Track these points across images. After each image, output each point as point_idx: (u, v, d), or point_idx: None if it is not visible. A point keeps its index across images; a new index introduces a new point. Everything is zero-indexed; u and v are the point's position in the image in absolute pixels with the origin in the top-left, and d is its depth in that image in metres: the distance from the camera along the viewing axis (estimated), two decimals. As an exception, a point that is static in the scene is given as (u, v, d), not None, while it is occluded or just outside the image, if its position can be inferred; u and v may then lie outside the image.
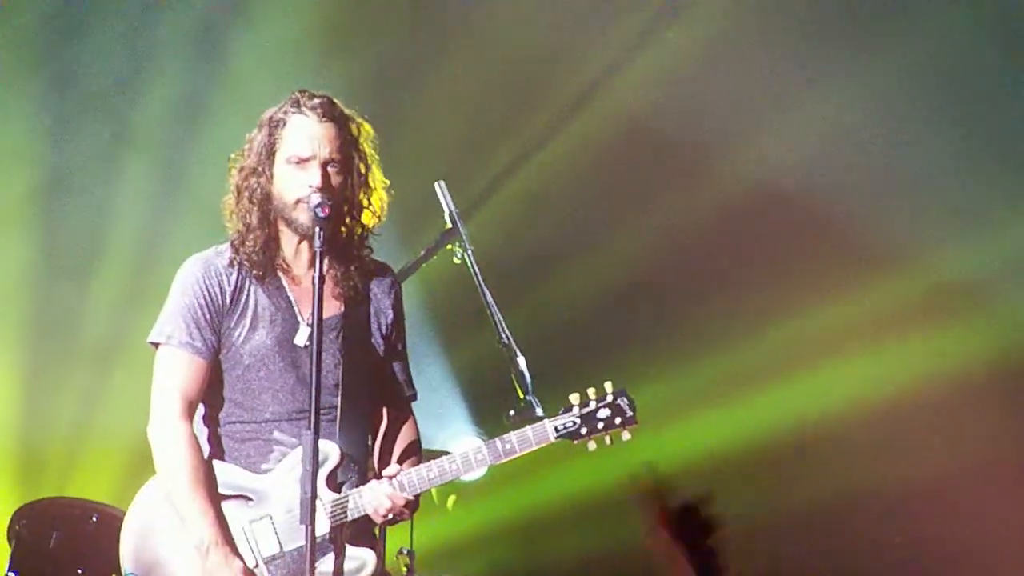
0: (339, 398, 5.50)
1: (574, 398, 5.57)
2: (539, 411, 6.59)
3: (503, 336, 6.41)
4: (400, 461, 5.65)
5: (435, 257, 6.99)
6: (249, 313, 5.54)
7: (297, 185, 5.48)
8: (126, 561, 5.49)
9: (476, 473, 5.68)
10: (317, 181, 5.45)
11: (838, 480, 9.78)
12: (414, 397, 5.85)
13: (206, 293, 5.52)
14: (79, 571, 7.70)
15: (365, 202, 5.61)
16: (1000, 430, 9.53)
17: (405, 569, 8.44)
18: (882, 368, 9.70)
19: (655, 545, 3.70)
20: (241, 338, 5.52)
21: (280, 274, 5.59)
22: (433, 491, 9.76)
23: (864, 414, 9.67)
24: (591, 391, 5.57)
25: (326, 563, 5.41)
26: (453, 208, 6.83)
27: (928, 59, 9.43)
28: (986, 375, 9.52)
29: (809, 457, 9.79)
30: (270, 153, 5.53)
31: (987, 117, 9.50)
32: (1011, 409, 9.53)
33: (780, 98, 9.68)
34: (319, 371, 5.23)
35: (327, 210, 5.39)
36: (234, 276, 5.56)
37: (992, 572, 9.47)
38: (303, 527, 5.29)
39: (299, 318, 5.56)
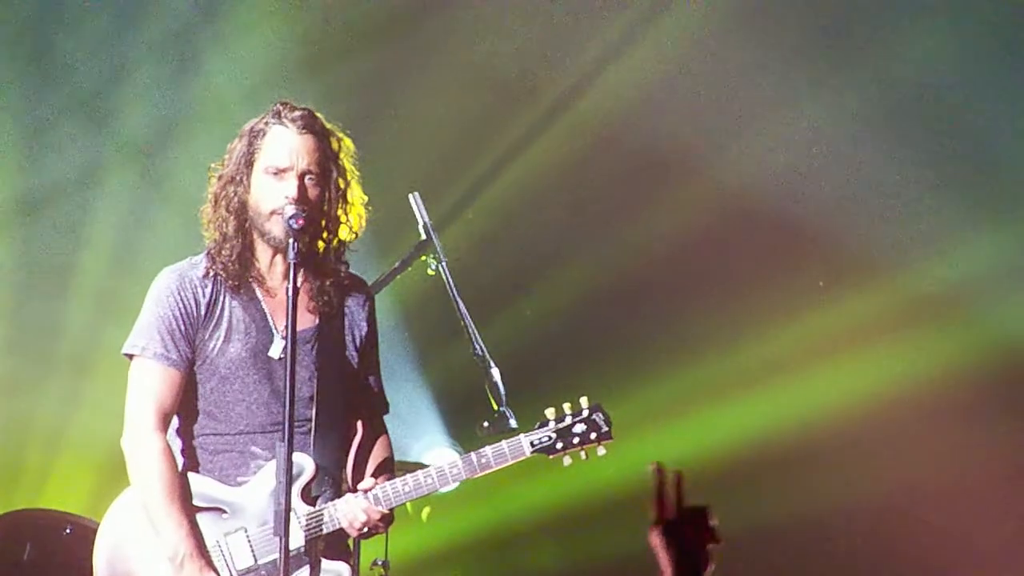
0: (313, 411, 5.50)
1: (550, 413, 5.57)
2: (513, 422, 6.61)
3: (477, 348, 6.42)
4: (374, 475, 5.65)
5: (409, 268, 7.00)
6: (224, 325, 5.54)
7: (273, 195, 5.47)
8: (99, 573, 5.48)
9: (451, 486, 5.68)
10: (293, 192, 5.45)
11: (819, 490, 9.80)
12: (386, 410, 5.85)
13: (181, 305, 5.52)
14: (53, 583, 7.67)
15: (343, 217, 5.60)
16: (981, 439, 9.56)
17: (380, 581, 8.43)
18: (861, 377, 9.73)
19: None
20: (216, 350, 5.52)
21: (255, 286, 5.58)
22: (408, 503, 9.78)
23: (844, 423, 9.70)
24: (567, 406, 5.58)
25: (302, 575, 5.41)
26: (427, 219, 6.84)
27: (909, 72, 9.47)
28: (966, 383, 9.56)
29: (789, 467, 9.81)
30: (248, 163, 5.52)
31: (967, 130, 9.54)
32: (994, 417, 9.57)
33: (760, 108, 9.70)
34: (293, 384, 5.22)
35: (301, 221, 5.38)
36: (209, 288, 5.55)
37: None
38: (277, 540, 5.29)
39: (274, 330, 5.56)
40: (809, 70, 9.59)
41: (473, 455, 5.52)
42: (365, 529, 5.48)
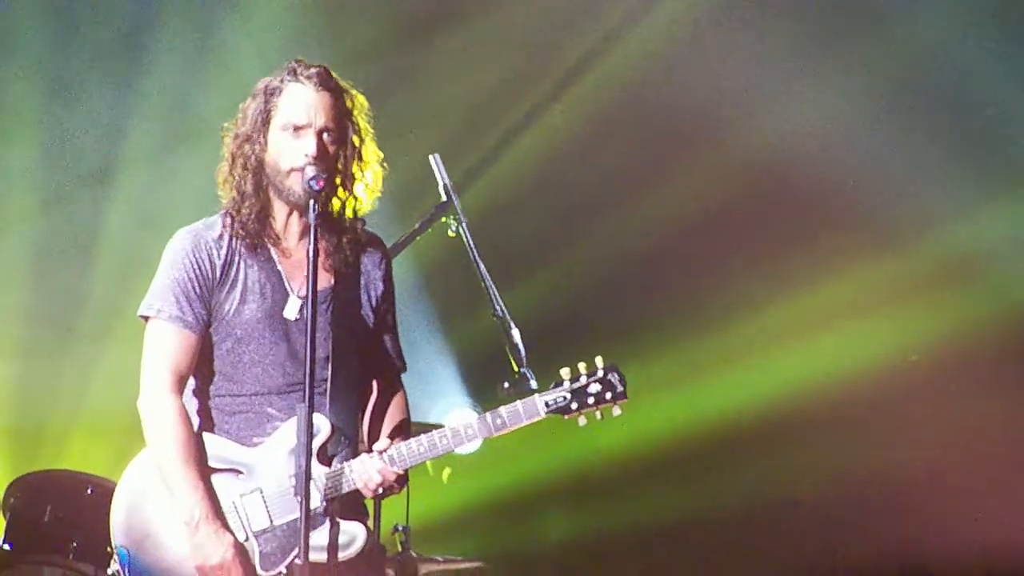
0: (329, 371, 5.48)
1: (565, 373, 5.53)
2: (533, 383, 6.58)
3: (498, 309, 6.39)
4: (390, 435, 5.63)
5: (429, 230, 6.97)
6: (239, 286, 5.52)
7: (292, 153, 5.45)
8: (116, 533, 5.48)
9: (470, 447, 5.65)
10: (313, 150, 5.43)
11: (841, 455, 9.80)
12: (404, 369, 5.82)
13: (196, 266, 5.50)
14: (73, 544, 7.69)
15: (358, 174, 5.58)
16: (999, 406, 9.55)
17: (400, 546, 8.44)
18: (883, 343, 9.72)
19: None
20: (231, 311, 5.50)
21: (270, 246, 5.56)
22: (428, 464, 9.78)
23: (868, 386, 9.70)
24: (582, 366, 5.53)
25: (318, 537, 5.39)
26: (448, 180, 6.81)
27: (926, 48, 9.44)
28: (985, 349, 9.54)
29: (817, 430, 9.82)
30: (265, 121, 5.49)
31: (979, 106, 9.51)
32: (1012, 383, 9.55)
33: (782, 82, 9.68)
34: (313, 346, 5.21)
35: (321, 183, 5.35)
36: (224, 249, 5.53)
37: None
38: (293, 501, 5.33)
39: (289, 290, 5.54)
40: (833, 44, 9.55)
41: (488, 415, 5.49)
42: (380, 490, 5.45)
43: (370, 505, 5.75)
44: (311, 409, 5.18)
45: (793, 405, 9.78)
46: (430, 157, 6.80)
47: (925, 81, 9.52)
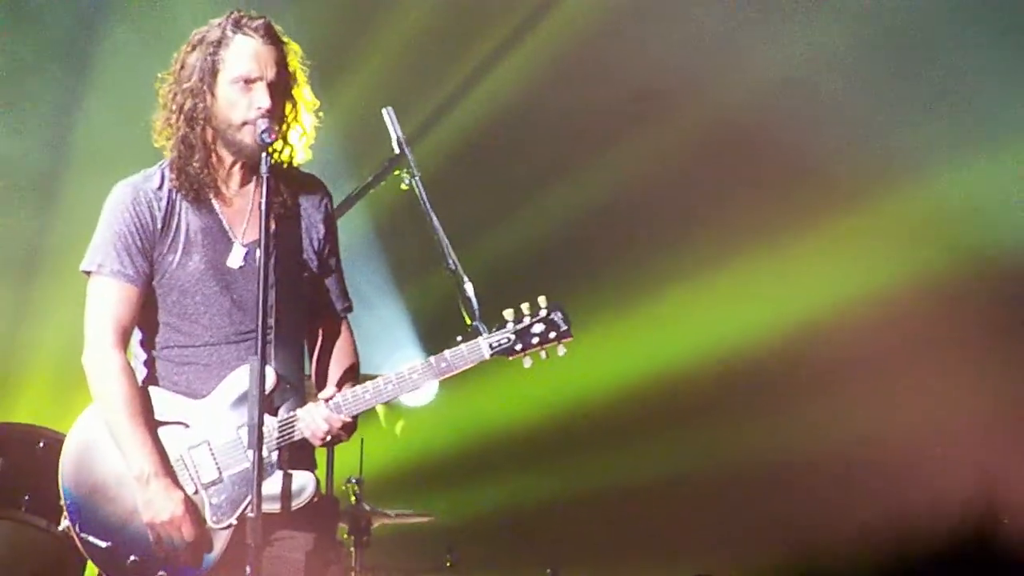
0: (273, 319, 5.48)
1: (508, 314, 5.53)
2: (486, 336, 6.61)
3: (450, 262, 6.40)
4: (338, 382, 5.64)
5: (382, 183, 6.97)
6: (182, 237, 5.50)
7: (244, 106, 5.42)
8: (66, 482, 5.47)
9: (422, 395, 5.66)
10: (266, 103, 5.41)
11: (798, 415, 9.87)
12: (350, 309, 5.80)
13: (136, 220, 5.47)
14: (25, 497, 7.64)
15: (302, 124, 5.58)
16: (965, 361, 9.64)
17: (354, 498, 8.45)
18: (849, 293, 9.77)
19: None
20: (175, 263, 5.48)
21: (211, 196, 5.54)
22: (381, 416, 9.79)
23: (831, 343, 9.76)
24: (525, 306, 5.51)
25: (269, 486, 5.39)
26: (401, 134, 6.81)
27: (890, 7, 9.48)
28: (946, 300, 9.62)
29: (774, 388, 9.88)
30: (212, 73, 5.46)
31: (944, 63, 9.54)
32: (973, 333, 9.63)
33: (746, 38, 9.69)
34: (266, 296, 5.21)
35: (273, 135, 5.36)
36: (164, 200, 5.50)
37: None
38: (241, 452, 5.35)
39: (232, 238, 5.53)
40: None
41: (433, 359, 5.49)
42: (328, 438, 5.46)
43: (323, 458, 5.76)
44: (263, 359, 5.18)
45: (752, 364, 9.83)
46: (383, 111, 6.80)
47: (890, 31, 9.54)
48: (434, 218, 6.53)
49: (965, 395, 9.55)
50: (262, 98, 5.42)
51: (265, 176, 5.31)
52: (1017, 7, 9.44)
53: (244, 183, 5.53)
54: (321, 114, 5.64)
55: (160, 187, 5.52)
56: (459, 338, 5.73)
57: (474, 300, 6.28)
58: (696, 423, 10.04)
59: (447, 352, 5.49)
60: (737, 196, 9.87)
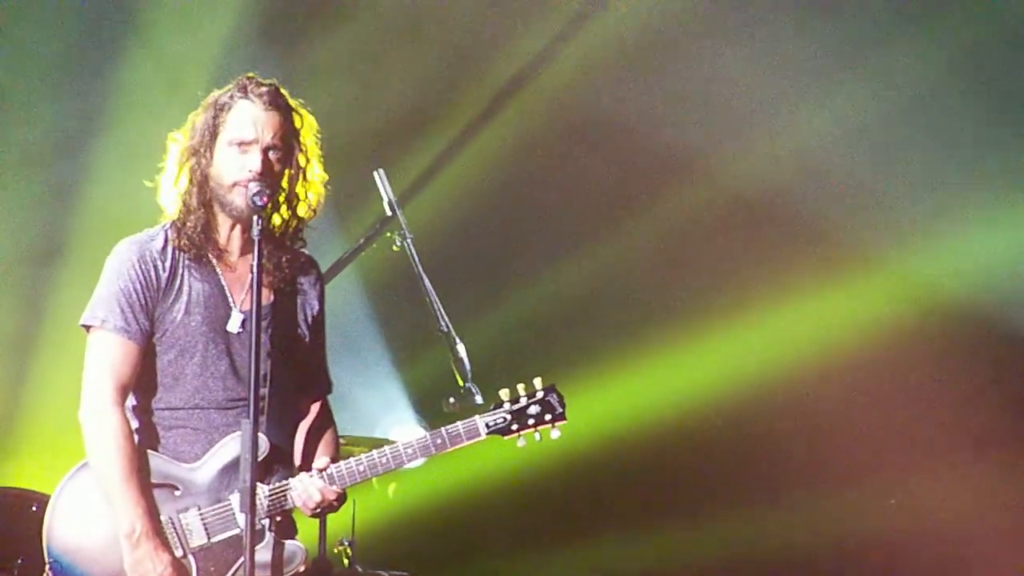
0: (267, 389, 5.50)
1: (504, 394, 5.62)
2: (478, 398, 6.64)
3: (443, 323, 6.43)
4: (324, 453, 5.67)
5: (374, 245, 7.00)
6: (184, 296, 5.53)
7: (236, 168, 5.47)
8: (51, 541, 5.45)
9: (408, 465, 5.69)
10: (257, 166, 5.45)
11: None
12: (330, 390, 5.87)
13: (142, 276, 5.50)
14: (18, 561, 7.66)
15: (302, 194, 5.62)
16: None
17: (347, 560, 8.44)
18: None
19: None
20: (175, 323, 5.50)
21: (213, 259, 5.58)
22: (373, 479, 9.77)
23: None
24: (521, 387, 5.63)
25: (260, 554, 5.39)
26: (392, 196, 6.85)
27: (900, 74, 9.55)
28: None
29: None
30: (213, 135, 5.52)
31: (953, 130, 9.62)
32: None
33: (747, 103, 9.75)
34: (259, 359, 5.23)
35: (265, 199, 5.38)
36: (168, 260, 5.54)
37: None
38: (231, 518, 5.36)
39: (231, 304, 5.56)
40: (807, 69, 9.63)
41: (428, 436, 5.55)
42: (319, 509, 5.48)
43: (315, 521, 5.76)
44: (256, 426, 5.19)
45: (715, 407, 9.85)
46: (375, 173, 6.84)
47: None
48: (426, 280, 6.56)
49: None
50: (254, 161, 5.46)
51: (256, 239, 5.34)
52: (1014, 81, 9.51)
53: (245, 250, 5.57)
54: (330, 187, 5.67)
55: (164, 247, 5.55)
56: (451, 399, 5.77)
57: (466, 361, 6.31)
58: (695, 509, 10.05)
59: (443, 430, 5.55)
60: (742, 266, 9.90)
